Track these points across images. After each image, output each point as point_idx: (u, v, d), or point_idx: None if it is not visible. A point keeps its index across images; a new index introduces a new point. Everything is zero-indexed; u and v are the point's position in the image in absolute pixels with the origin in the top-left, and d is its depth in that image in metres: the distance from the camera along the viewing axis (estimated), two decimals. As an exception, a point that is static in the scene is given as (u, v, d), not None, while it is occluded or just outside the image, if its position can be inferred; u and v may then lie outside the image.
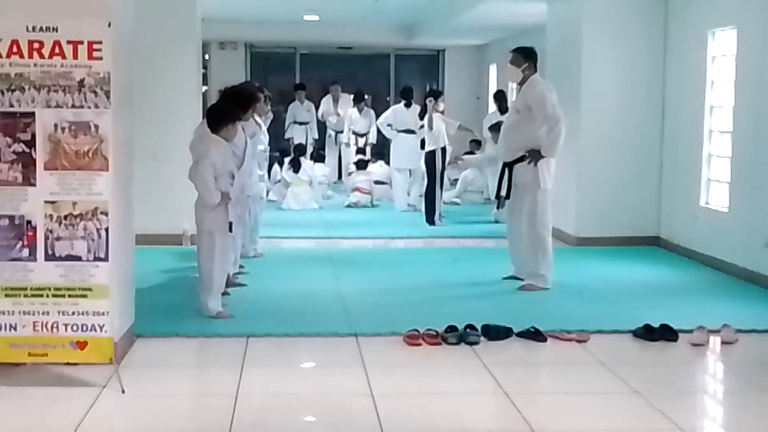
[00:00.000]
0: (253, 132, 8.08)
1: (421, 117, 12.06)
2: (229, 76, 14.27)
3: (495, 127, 12.92)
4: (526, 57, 7.86)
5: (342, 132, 15.93)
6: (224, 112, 6.90)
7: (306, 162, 13.80)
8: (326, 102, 16.57)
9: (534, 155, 7.71)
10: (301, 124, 16.52)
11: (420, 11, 15.06)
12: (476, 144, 14.80)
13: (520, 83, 7.89)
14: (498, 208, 7.92)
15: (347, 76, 18.82)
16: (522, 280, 7.97)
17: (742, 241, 8.48)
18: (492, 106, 15.21)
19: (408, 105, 13.26)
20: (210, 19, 12.89)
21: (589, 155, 10.17)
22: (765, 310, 7.23)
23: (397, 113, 13.42)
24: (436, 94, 12.23)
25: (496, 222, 12.07)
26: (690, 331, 6.35)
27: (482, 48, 18.57)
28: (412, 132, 12.96)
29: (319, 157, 15.07)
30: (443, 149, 11.80)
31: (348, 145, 15.67)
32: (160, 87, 9.48)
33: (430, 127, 11.71)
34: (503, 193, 7.95)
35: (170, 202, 9.38)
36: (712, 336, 6.36)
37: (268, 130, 9.32)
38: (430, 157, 11.79)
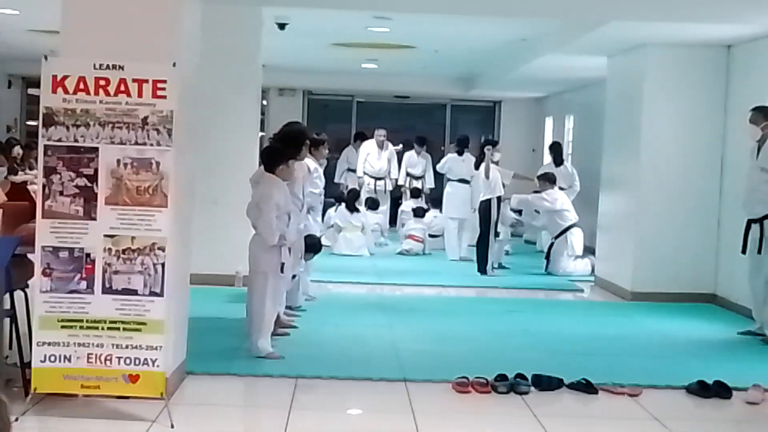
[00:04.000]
0: (303, 174, 8.10)
1: (477, 166, 12.06)
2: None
3: (542, 177, 12.89)
4: (766, 116, 8.03)
5: (381, 179, 15.93)
6: (278, 151, 7.01)
7: (360, 208, 13.88)
8: (369, 145, 16.00)
9: None
10: (354, 171, 16.60)
11: (479, 63, 15.13)
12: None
13: (759, 141, 8.03)
14: (744, 251, 7.99)
15: (403, 125, 18.92)
16: (760, 335, 8.05)
17: (801, 301, 8.30)
18: (547, 158, 15.18)
19: (461, 153, 13.31)
20: (270, 67, 13.10)
21: (648, 209, 10.08)
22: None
23: (451, 162, 13.48)
24: (493, 143, 12.20)
25: (549, 274, 12.02)
26: (745, 389, 6.22)
27: (540, 100, 18.58)
28: (466, 182, 13.00)
29: (373, 204, 15.10)
30: (498, 198, 11.78)
31: (403, 189, 15.68)
32: (220, 131, 9.60)
33: (487, 176, 11.70)
34: (750, 247, 8.03)
35: (225, 244, 9.46)
36: (768, 395, 6.23)
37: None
38: (485, 207, 11.74)
